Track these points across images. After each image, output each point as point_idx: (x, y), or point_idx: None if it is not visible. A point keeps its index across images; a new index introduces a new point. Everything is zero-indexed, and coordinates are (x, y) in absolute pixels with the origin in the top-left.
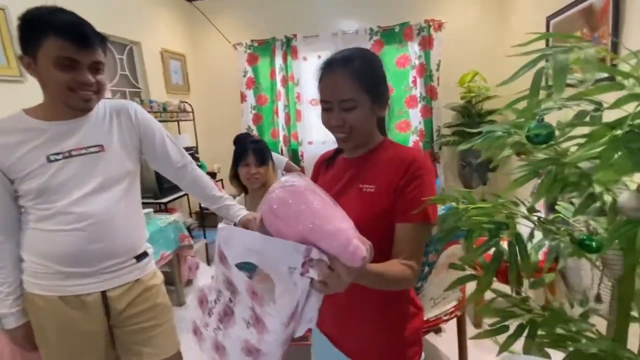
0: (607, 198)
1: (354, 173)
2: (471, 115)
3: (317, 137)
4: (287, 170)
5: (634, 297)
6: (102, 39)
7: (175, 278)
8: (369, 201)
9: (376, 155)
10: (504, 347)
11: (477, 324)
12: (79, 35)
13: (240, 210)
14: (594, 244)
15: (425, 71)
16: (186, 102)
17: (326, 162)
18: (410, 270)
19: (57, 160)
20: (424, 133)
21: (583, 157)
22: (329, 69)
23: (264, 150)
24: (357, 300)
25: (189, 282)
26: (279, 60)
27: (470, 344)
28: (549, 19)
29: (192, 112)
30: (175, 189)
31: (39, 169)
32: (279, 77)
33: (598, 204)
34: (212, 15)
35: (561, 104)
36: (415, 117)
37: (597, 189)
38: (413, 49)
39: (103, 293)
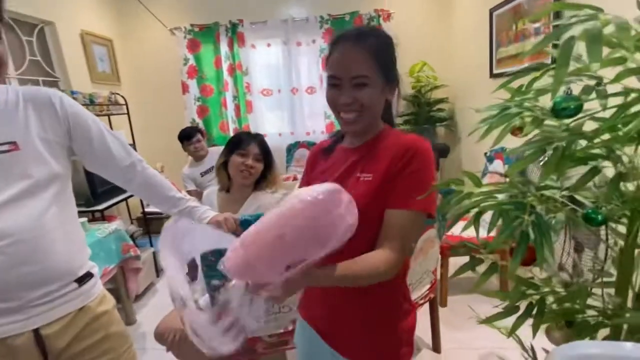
0: (611, 170)
1: (353, 162)
2: (421, 104)
3: (271, 129)
4: None
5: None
6: None
7: (121, 295)
8: (364, 190)
9: (377, 143)
10: (514, 328)
11: (443, 303)
12: None
13: (207, 212)
14: (599, 217)
15: None
16: (117, 94)
17: (323, 151)
18: (385, 260)
19: None
20: None
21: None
22: (342, 43)
23: (267, 147)
24: (350, 297)
25: (138, 298)
26: (224, 48)
27: (440, 323)
28: (491, 10)
29: (126, 104)
30: (111, 193)
31: None
32: (225, 66)
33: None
34: None
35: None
36: None
37: (604, 162)
38: None
39: (36, 331)
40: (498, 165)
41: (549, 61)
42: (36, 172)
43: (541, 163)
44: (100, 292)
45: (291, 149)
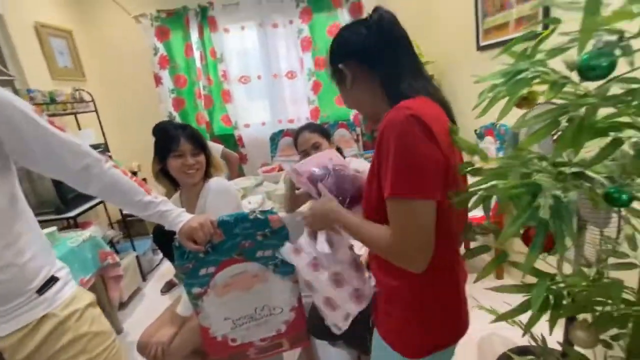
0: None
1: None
2: None
3: (254, 119)
4: (225, 158)
5: None
6: None
7: (104, 304)
8: (366, 185)
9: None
10: (531, 324)
11: None
12: None
13: (180, 216)
14: (624, 196)
15: None
16: (83, 90)
17: None
18: (385, 241)
19: None
20: None
21: None
22: None
23: (198, 135)
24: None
25: (124, 305)
26: (194, 34)
27: None
28: None
29: (93, 101)
30: (84, 197)
31: None
32: (197, 54)
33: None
34: None
35: (573, 37)
36: None
37: (630, 132)
38: (343, 16)
39: None
40: (489, 142)
41: (539, 30)
42: None
43: (554, 137)
44: (68, 295)
45: (275, 137)
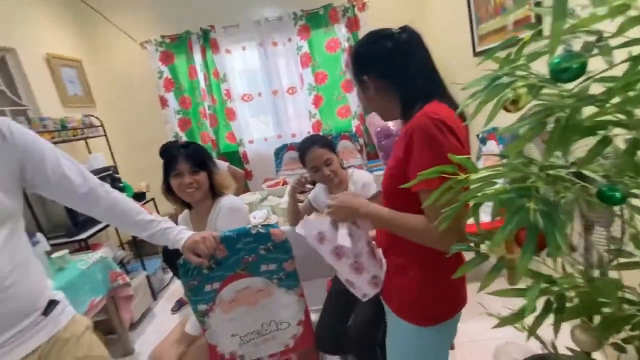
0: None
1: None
2: None
3: (257, 135)
4: (232, 175)
5: None
6: None
7: (115, 325)
8: (385, 175)
9: (405, 128)
10: (534, 328)
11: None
12: None
13: (181, 233)
14: (617, 194)
15: None
16: (92, 116)
17: None
18: (424, 225)
19: None
20: (364, 117)
21: None
22: None
23: (198, 154)
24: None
25: (134, 326)
26: (198, 56)
27: None
28: None
29: (102, 126)
30: (95, 220)
31: None
32: (201, 75)
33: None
34: (108, 12)
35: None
36: (354, 101)
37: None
38: (341, 31)
39: None
40: (492, 145)
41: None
42: None
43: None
44: (68, 318)
45: (279, 152)
